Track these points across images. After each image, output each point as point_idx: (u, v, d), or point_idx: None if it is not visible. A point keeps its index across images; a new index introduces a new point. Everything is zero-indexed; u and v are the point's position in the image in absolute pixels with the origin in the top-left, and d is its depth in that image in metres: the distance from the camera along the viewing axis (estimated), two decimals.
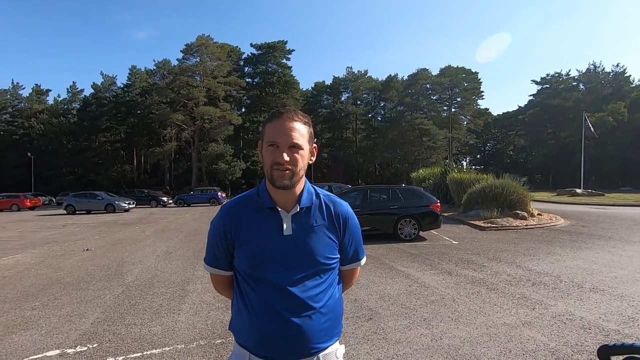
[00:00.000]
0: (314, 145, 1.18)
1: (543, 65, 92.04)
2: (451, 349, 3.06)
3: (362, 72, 57.12)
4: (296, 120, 1.11)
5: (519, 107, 60.39)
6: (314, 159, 1.18)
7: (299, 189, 1.15)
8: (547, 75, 55.59)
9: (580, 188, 28.32)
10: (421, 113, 51.25)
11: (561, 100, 51.63)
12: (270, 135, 1.09)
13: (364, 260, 1.30)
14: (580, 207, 18.76)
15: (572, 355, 2.91)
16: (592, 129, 29.21)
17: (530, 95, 58.74)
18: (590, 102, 47.82)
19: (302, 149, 1.10)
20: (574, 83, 54.78)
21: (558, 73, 54.81)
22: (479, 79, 54.32)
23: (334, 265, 1.19)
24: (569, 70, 55.69)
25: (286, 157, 1.06)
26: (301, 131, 1.10)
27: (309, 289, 1.11)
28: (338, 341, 1.20)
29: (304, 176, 1.15)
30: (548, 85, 55.26)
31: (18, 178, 44.34)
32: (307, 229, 1.14)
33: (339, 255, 1.20)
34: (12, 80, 66.26)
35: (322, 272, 1.14)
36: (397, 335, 3.37)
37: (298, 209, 1.14)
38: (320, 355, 1.13)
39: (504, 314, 3.87)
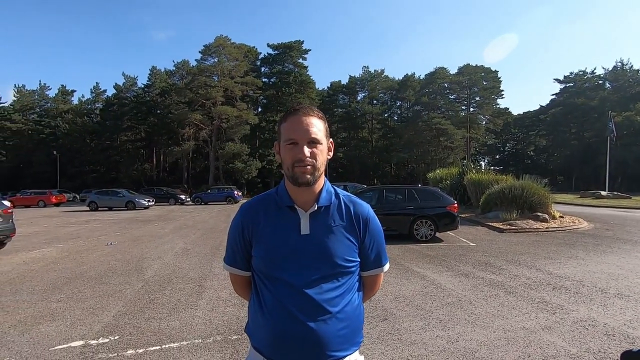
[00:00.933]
0: (330, 140, 1.16)
1: (566, 64, 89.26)
2: (467, 352, 3.02)
3: (379, 71, 56.78)
4: (312, 116, 1.09)
5: (541, 106, 58.79)
6: (331, 154, 1.16)
7: (318, 187, 1.13)
8: (571, 73, 53.88)
9: (605, 190, 27.33)
10: (438, 112, 50.53)
11: (586, 99, 49.90)
12: (288, 133, 1.07)
13: (387, 267, 1.24)
14: (605, 210, 18.11)
15: None
16: (613, 130, 28.09)
17: (553, 94, 57.09)
18: (616, 101, 46.05)
19: (321, 144, 1.09)
20: (600, 81, 52.84)
21: (582, 71, 53.06)
22: (499, 78, 53.05)
23: (353, 269, 1.14)
24: (594, 68, 53.90)
25: (307, 153, 1.05)
26: (318, 126, 1.09)
27: (325, 292, 1.07)
28: (357, 351, 1.15)
29: (323, 174, 1.13)
30: (572, 84, 53.52)
31: (45, 175, 46.19)
32: (325, 228, 1.11)
33: (358, 259, 1.16)
34: (40, 81, 69.18)
35: (339, 275, 1.10)
36: (412, 337, 3.35)
37: (316, 208, 1.11)
38: None
39: (522, 318, 3.78)
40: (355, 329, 1.13)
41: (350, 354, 1.11)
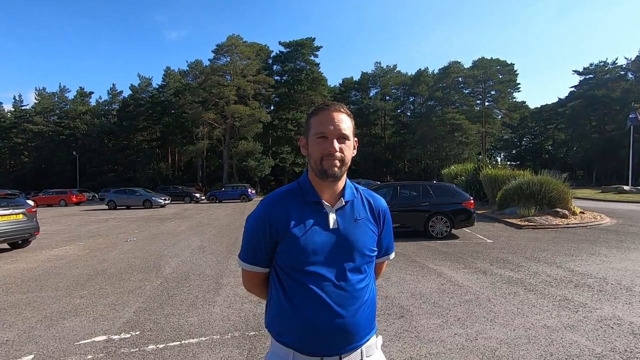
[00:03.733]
0: (355, 139, 1.20)
1: (586, 55, 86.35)
2: (487, 350, 2.97)
3: (391, 67, 56.34)
4: (342, 112, 1.14)
5: (559, 99, 57.10)
6: (355, 151, 1.20)
7: (342, 183, 1.18)
8: (591, 64, 52.03)
9: (627, 185, 26.44)
10: (453, 107, 49.68)
11: (607, 90, 48.22)
12: (319, 126, 1.11)
13: (393, 255, 1.36)
14: (628, 205, 17.51)
15: None
16: (639, 119, 27.05)
17: (572, 87, 55.38)
18: None
19: (349, 140, 1.14)
20: (622, 72, 50.90)
21: (603, 62, 51.13)
22: (515, 71, 51.83)
23: (374, 258, 1.23)
24: (616, 59, 51.84)
25: (337, 147, 1.10)
26: (347, 123, 1.14)
27: (356, 282, 1.13)
28: (375, 333, 1.23)
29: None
30: (592, 75, 51.75)
31: (65, 175, 47.66)
32: (352, 222, 1.16)
33: (377, 248, 1.24)
34: (60, 83, 71.25)
35: (366, 264, 1.17)
36: (429, 334, 3.32)
37: (343, 203, 1.16)
38: (363, 347, 1.15)
39: (544, 316, 3.70)
40: (374, 313, 1.21)
41: (372, 336, 1.18)
